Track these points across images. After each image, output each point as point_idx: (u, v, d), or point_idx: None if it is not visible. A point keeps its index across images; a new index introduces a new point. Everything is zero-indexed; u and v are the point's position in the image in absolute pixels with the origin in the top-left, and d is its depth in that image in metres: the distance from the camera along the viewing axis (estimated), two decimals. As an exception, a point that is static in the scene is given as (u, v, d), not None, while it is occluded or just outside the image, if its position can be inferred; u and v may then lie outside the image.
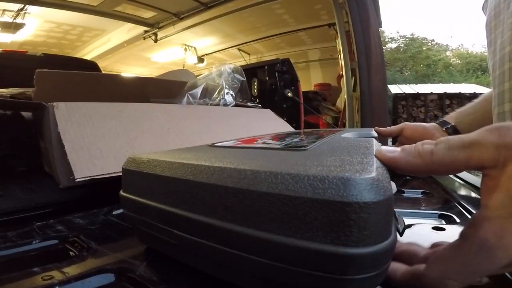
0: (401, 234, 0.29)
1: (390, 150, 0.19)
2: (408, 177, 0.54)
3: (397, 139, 0.54)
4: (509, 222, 0.15)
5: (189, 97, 0.69)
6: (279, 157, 0.20)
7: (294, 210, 0.14)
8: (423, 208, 0.36)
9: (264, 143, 0.29)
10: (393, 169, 0.19)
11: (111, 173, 0.40)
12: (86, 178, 0.37)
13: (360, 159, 0.17)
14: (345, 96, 1.29)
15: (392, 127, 0.53)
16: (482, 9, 0.54)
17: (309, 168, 0.15)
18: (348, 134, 0.37)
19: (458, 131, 0.50)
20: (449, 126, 0.51)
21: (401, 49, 11.53)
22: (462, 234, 0.17)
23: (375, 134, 0.39)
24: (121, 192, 0.25)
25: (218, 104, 0.75)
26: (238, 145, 0.28)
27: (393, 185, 0.18)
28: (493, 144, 0.16)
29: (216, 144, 0.30)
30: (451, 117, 0.54)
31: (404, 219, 0.31)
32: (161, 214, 0.21)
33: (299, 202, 0.14)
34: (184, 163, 0.20)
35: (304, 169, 0.15)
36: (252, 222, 0.15)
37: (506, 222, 0.15)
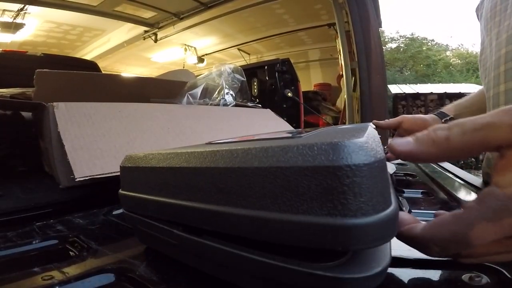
0: None
1: (403, 142, 0.18)
2: (409, 178, 0.54)
3: (395, 132, 0.54)
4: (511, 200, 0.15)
5: (189, 97, 0.69)
6: (272, 141, 0.20)
7: (287, 182, 0.14)
8: (423, 208, 0.36)
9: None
10: (410, 161, 0.18)
11: (111, 173, 0.40)
12: (86, 178, 0.37)
13: (353, 133, 0.17)
14: (345, 96, 1.29)
15: (390, 119, 0.53)
16: (476, 11, 0.54)
17: (299, 141, 0.15)
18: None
19: None
20: (448, 118, 0.51)
21: (401, 49, 11.53)
22: (464, 205, 0.17)
23: (373, 127, 0.39)
24: (120, 191, 0.25)
25: (218, 104, 0.75)
26: (235, 141, 0.29)
27: (391, 165, 0.18)
28: (509, 124, 0.16)
29: (213, 142, 0.30)
30: (449, 109, 0.54)
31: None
32: (158, 207, 0.21)
33: (290, 172, 0.13)
34: (178, 152, 0.20)
35: (294, 142, 0.15)
36: (246, 201, 0.15)
37: (509, 200, 0.15)
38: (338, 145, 0.13)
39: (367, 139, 0.14)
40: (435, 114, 0.54)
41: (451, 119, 0.51)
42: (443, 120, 0.51)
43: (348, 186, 0.13)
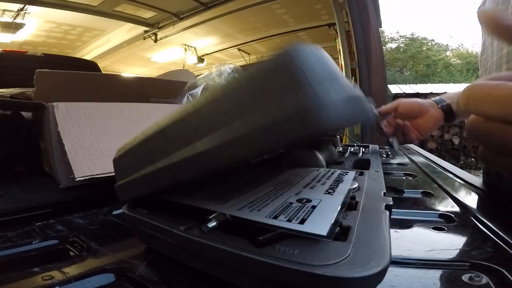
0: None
1: None
2: (409, 178, 0.54)
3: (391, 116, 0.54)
4: None
5: (189, 97, 0.69)
6: None
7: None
8: (423, 208, 0.36)
9: None
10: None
11: (111, 173, 0.40)
12: (86, 177, 0.37)
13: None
14: (345, 96, 1.29)
15: (386, 105, 0.53)
16: (477, 12, 0.54)
17: None
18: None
19: (452, 110, 0.51)
20: (444, 104, 0.51)
21: (401, 49, 11.53)
22: None
23: (375, 111, 0.38)
24: (116, 184, 0.25)
25: (218, 104, 0.75)
26: None
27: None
28: None
29: None
30: (448, 96, 0.54)
31: (403, 218, 0.31)
32: (150, 177, 0.21)
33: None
34: (159, 121, 0.20)
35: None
36: (220, 119, 0.15)
37: None
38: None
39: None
40: (433, 100, 0.54)
41: (448, 105, 0.51)
42: (439, 106, 0.51)
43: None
